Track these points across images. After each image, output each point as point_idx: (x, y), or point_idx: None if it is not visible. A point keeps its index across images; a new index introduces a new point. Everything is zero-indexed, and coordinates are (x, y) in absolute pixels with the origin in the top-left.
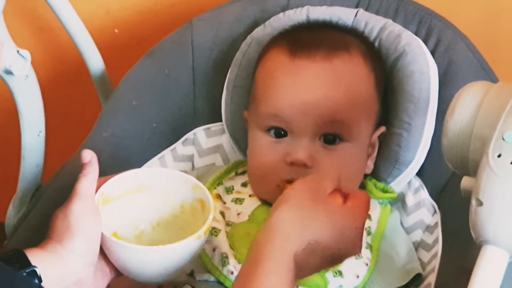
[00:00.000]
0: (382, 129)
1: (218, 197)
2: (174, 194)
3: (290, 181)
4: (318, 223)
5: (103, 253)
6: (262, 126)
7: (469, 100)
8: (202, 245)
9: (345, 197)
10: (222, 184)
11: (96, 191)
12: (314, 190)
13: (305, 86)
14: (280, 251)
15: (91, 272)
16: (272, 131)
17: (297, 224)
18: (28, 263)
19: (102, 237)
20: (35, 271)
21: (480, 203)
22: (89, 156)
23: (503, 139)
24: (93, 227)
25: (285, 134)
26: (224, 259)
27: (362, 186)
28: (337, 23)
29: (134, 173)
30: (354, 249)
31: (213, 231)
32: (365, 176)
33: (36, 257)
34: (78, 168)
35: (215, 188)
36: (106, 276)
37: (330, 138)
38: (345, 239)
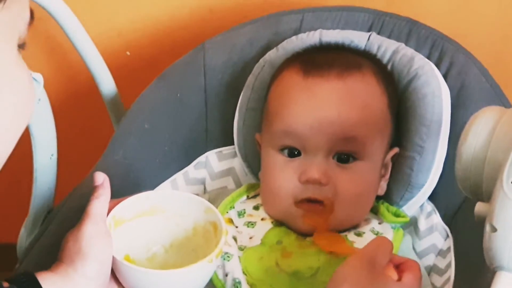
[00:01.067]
0: (395, 150)
1: (230, 221)
2: (186, 217)
3: (306, 200)
4: None
5: (114, 276)
6: (275, 145)
7: (482, 125)
8: (214, 268)
9: (397, 266)
10: (233, 207)
11: (107, 214)
12: (370, 265)
13: (318, 104)
14: None
15: None
16: (286, 151)
17: None
18: (39, 287)
19: (114, 260)
20: None
21: (494, 229)
22: (101, 178)
23: None
24: (105, 250)
25: (299, 154)
26: (236, 284)
27: (375, 210)
28: (350, 46)
29: (146, 195)
30: None
31: (226, 256)
32: (378, 199)
33: (47, 281)
34: (90, 190)
35: (227, 212)
36: None
37: (344, 157)
38: None
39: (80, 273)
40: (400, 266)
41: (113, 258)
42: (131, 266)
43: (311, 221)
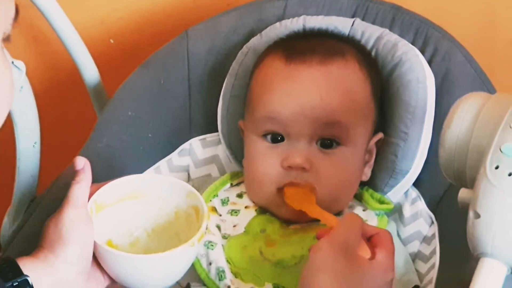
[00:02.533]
0: (380, 135)
1: (214, 209)
2: (168, 201)
3: (288, 185)
4: (352, 286)
5: (97, 261)
6: (258, 131)
7: (466, 111)
8: (196, 252)
9: (369, 239)
10: (217, 196)
11: (89, 198)
12: (343, 250)
13: (301, 89)
14: None
15: (84, 280)
16: (269, 137)
17: None
18: (20, 272)
19: (95, 245)
20: (27, 280)
21: (477, 216)
22: (82, 163)
23: (500, 150)
24: (85, 235)
25: (282, 139)
26: (220, 273)
27: (359, 197)
28: (333, 32)
29: (128, 180)
30: None
31: (209, 245)
32: (362, 185)
33: (28, 266)
34: (72, 178)
35: (210, 200)
36: (100, 284)
37: (327, 142)
38: None
39: (61, 258)
40: (372, 240)
41: (95, 243)
42: (113, 251)
43: (292, 192)
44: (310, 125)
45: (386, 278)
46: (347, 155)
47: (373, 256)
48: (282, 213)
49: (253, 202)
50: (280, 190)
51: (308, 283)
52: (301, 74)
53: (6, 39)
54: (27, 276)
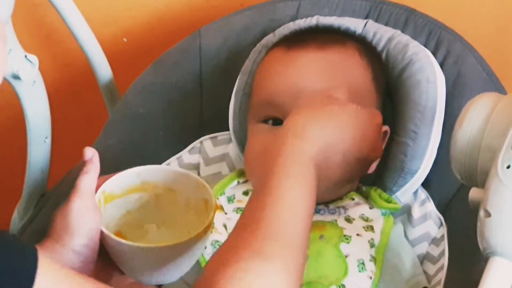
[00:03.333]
0: (385, 128)
1: (221, 208)
2: (178, 193)
3: None
4: (335, 122)
5: (104, 251)
6: (259, 117)
7: (478, 111)
8: (203, 244)
9: None
10: (224, 193)
11: (97, 189)
12: (326, 97)
13: (298, 73)
14: (298, 153)
15: (90, 270)
16: (270, 122)
17: (314, 125)
18: None
19: (104, 235)
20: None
21: (488, 214)
22: (90, 153)
23: None
24: (92, 225)
25: (281, 122)
26: None
27: (366, 195)
28: (338, 28)
29: (137, 171)
30: (375, 151)
31: (216, 244)
32: (371, 185)
33: None
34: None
35: (217, 198)
36: (107, 274)
37: None
38: (365, 138)
39: (68, 248)
40: None
41: (104, 233)
42: (121, 241)
43: None
44: None
45: (374, 120)
46: None
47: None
48: None
49: (252, 185)
50: None
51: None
52: (299, 58)
53: None
54: None
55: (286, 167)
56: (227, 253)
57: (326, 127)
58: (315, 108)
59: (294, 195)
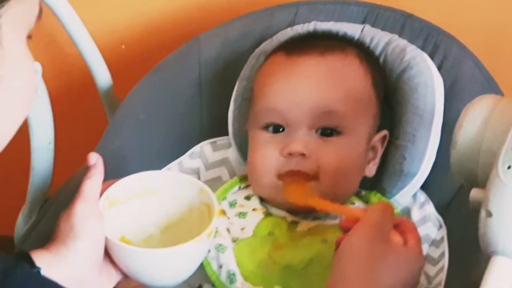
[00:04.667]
0: (384, 132)
1: (223, 212)
2: (181, 198)
3: (289, 173)
4: (394, 272)
5: (109, 255)
6: (260, 124)
7: (478, 112)
8: (206, 248)
9: (395, 226)
10: (226, 198)
11: (101, 195)
12: (378, 233)
13: (299, 80)
14: None
15: (95, 273)
16: (270, 128)
17: (374, 277)
18: (33, 265)
19: (107, 240)
20: (39, 272)
21: (489, 214)
22: (94, 158)
23: None
24: (97, 229)
25: (282, 130)
26: (231, 277)
27: (366, 199)
28: (337, 34)
29: (140, 177)
30: (415, 285)
31: (220, 248)
32: (370, 190)
33: (41, 259)
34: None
35: (219, 203)
36: (112, 277)
37: (327, 132)
38: (410, 282)
39: (72, 252)
40: (399, 228)
41: (107, 239)
42: (124, 246)
43: (290, 189)
44: (308, 114)
45: (419, 264)
46: (347, 144)
47: (405, 242)
48: (282, 200)
49: (257, 196)
50: (281, 177)
51: (341, 270)
52: (300, 65)
53: (28, 37)
54: (40, 268)
55: None
56: None
57: (382, 277)
58: (371, 253)
59: None
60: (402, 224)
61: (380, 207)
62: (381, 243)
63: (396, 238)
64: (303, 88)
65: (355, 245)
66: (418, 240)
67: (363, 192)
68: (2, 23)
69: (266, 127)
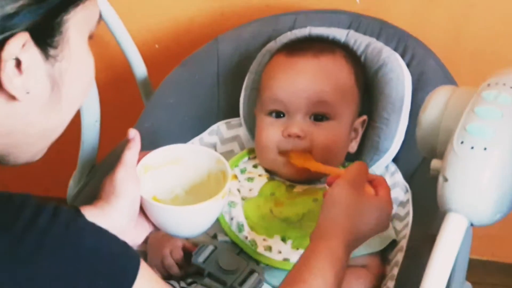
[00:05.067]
0: (364, 117)
1: (235, 177)
2: (202, 166)
3: (286, 152)
4: (367, 218)
5: (143, 212)
6: (265, 111)
7: (438, 99)
8: (220, 207)
9: (370, 182)
10: (238, 166)
11: (138, 162)
12: (354, 186)
13: (297, 76)
14: (337, 242)
15: (132, 225)
16: (273, 114)
17: (351, 221)
18: (80, 214)
19: (142, 199)
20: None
21: (445, 179)
22: (133, 133)
23: (465, 129)
24: (134, 190)
25: (283, 116)
26: (240, 227)
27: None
28: (328, 37)
29: (169, 148)
30: (384, 229)
31: (232, 204)
32: (351, 159)
33: (89, 213)
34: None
35: (232, 169)
36: (145, 229)
37: (319, 117)
38: (380, 224)
39: (114, 208)
40: (372, 183)
41: (142, 198)
42: (155, 204)
43: (295, 155)
44: (304, 103)
45: (389, 210)
46: (335, 127)
47: (376, 193)
48: (285, 171)
49: (263, 166)
50: (282, 153)
51: (325, 216)
52: (298, 64)
53: (90, 37)
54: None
55: (326, 255)
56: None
57: (357, 224)
58: (349, 206)
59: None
60: (375, 180)
61: (356, 166)
62: (356, 193)
63: (369, 189)
64: (300, 82)
65: (335, 195)
66: (388, 192)
67: (347, 164)
68: (69, 26)
69: (270, 113)
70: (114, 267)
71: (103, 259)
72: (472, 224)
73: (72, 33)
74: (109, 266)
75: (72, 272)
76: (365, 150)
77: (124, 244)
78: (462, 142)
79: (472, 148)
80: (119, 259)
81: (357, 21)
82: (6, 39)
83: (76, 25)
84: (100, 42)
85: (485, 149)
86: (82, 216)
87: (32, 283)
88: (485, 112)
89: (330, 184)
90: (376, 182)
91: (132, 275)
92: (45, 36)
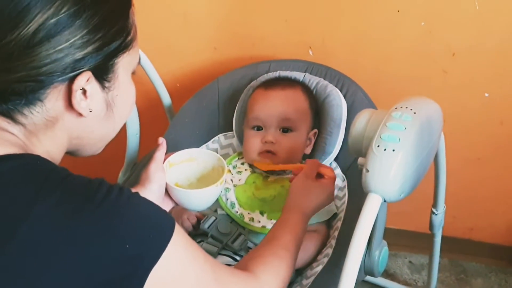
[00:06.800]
0: (315, 130)
1: (229, 171)
2: (208, 163)
3: (265, 151)
4: (316, 196)
5: (167, 193)
6: (250, 126)
7: (363, 117)
8: (219, 190)
9: (322, 170)
10: (231, 163)
11: (164, 160)
12: (306, 178)
13: (271, 102)
14: (298, 214)
15: (160, 202)
16: (255, 128)
17: (306, 200)
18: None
19: (167, 185)
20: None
21: (367, 171)
22: (161, 140)
23: (380, 137)
24: (161, 178)
25: (262, 129)
26: (232, 204)
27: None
28: (291, 78)
29: (187, 151)
30: (329, 203)
31: (227, 189)
32: (306, 157)
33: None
34: (156, 148)
35: (228, 166)
36: (168, 205)
37: (285, 130)
38: (326, 200)
39: (148, 190)
40: (322, 171)
41: (167, 184)
42: (176, 188)
43: (264, 159)
44: (276, 120)
45: (331, 190)
46: (296, 136)
47: (324, 179)
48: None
49: (248, 163)
50: (259, 154)
51: (291, 197)
52: (271, 95)
53: (133, 73)
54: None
55: (294, 222)
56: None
57: (313, 200)
58: (306, 189)
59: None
60: (325, 169)
61: (310, 162)
62: (309, 181)
63: (318, 177)
64: (273, 107)
65: (296, 183)
66: (331, 178)
67: (303, 161)
68: (119, 67)
69: (253, 127)
70: (159, 222)
71: (152, 218)
72: (385, 201)
73: (121, 71)
74: (156, 221)
75: (134, 226)
76: (316, 152)
77: (164, 210)
78: (378, 146)
79: (385, 149)
80: (162, 218)
81: (310, 67)
82: (76, 76)
83: (123, 66)
84: (140, 80)
85: (393, 150)
86: (137, 193)
87: (108, 231)
88: (394, 126)
89: (295, 174)
90: (324, 171)
91: (171, 228)
92: (103, 74)
